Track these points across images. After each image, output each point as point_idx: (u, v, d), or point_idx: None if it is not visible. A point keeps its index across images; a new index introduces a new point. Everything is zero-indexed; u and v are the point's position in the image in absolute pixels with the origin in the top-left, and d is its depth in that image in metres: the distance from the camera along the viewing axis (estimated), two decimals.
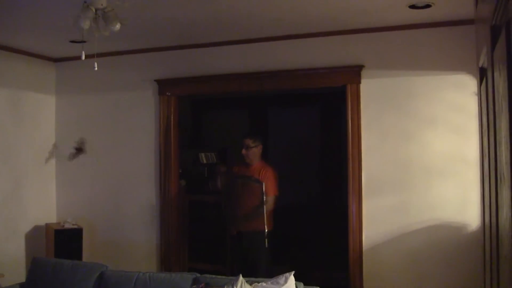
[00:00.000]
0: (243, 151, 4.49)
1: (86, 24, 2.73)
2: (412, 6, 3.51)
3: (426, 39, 4.00)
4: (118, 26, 2.82)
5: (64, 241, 4.75)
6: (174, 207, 4.88)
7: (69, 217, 5.02)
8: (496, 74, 1.95)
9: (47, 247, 4.85)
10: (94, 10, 2.74)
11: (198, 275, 3.20)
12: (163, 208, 4.84)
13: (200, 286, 3.04)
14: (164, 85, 4.85)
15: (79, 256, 4.73)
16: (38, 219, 5.01)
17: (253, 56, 4.55)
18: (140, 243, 4.93)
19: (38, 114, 5.12)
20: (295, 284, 2.93)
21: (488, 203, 2.63)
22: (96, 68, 3.12)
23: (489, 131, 2.41)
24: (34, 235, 4.96)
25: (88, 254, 4.85)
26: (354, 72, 4.18)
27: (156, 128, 4.89)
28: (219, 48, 4.64)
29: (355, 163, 4.17)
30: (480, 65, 3.05)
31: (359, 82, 4.18)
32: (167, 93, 4.84)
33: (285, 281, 2.86)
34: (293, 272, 2.94)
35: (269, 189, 4.31)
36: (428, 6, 3.49)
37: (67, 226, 4.88)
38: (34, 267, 3.54)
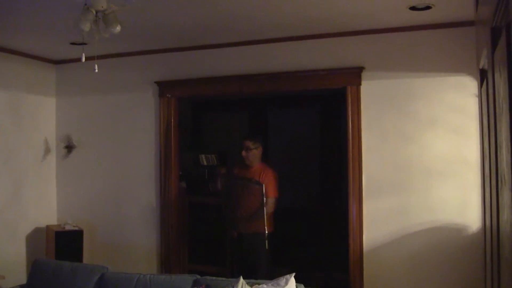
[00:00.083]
0: (243, 153, 4.49)
1: (86, 26, 2.73)
2: (413, 8, 3.51)
3: (426, 40, 4.00)
4: (118, 28, 2.83)
5: (65, 242, 4.75)
6: (174, 208, 4.88)
7: (70, 219, 5.02)
8: (496, 76, 1.95)
9: (48, 249, 4.85)
10: (94, 12, 2.73)
11: (199, 277, 3.20)
12: (164, 210, 4.84)
13: None
14: (164, 87, 4.85)
15: (79, 258, 4.73)
16: (38, 221, 5.01)
17: (253, 57, 4.55)
18: (140, 245, 4.93)
19: (39, 116, 5.12)
20: (296, 285, 2.93)
21: (489, 205, 2.63)
22: (96, 70, 3.12)
23: (489, 133, 2.41)
24: (34, 237, 4.96)
25: (88, 255, 4.85)
26: (355, 74, 4.18)
27: (157, 130, 4.89)
28: (219, 50, 4.65)
29: (356, 164, 4.16)
30: (480, 66, 3.05)
31: (360, 84, 4.18)
32: (167, 95, 4.84)
33: (286, 283, 2.86)
34: (293, 274, 2.93)
35: (269, 191, 4.31)
36: (428, 7, 3.49)
37: (67, 227, 4.88)
38: (35, 269, 3.55)
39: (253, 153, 4.49)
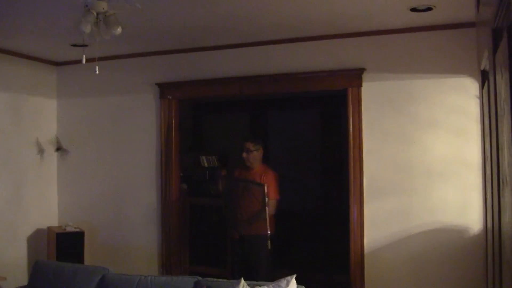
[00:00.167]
0: (244, 155, 4.49)
1: (87, 28, 2.73)
2: (413, 9, 3.51)
3: (427, 42, 4.00)
4: (119, 30, 2.83)
5: (66, 244, 4.76)
6: (175, 210, 4.88)
7: (71, 220, 5.02)
8: (498, 77, 1.95)
9: (49, 250, 4.85)
10: (95, 14, 2.74)
11: (200, 278, 3.20)
12: (164, 211, 4.84)
13: None
14: (165, 89, 4.85)
15: (80, 259, 4.74)
16: (39, 222, 5.01)
17: (253, 59, 4.55)
18: (141, 246, 4.92)
19: (40, 117, 5.12)
20: (297, 287, 2.93)
21: (491, 207, 2.62)
22: (97, 72, 3.12)
23: (491, 135, 2.41)
24: (36, 238, 4.96)
25: (89, 257, 4.86)
26: (355, 75, 4.18)
27: (157, 132, 4.89)
28: (220, 52, 4.65)
29: (356, 166, 4.16)
30: (481, 68, 3.05)
31: (360, 85, 4.18)
32: (168, 97, 4.84)
33: (287, 285, 2.85)
34: (294, 276, 2.93)
35: (270, 192, 4.30)
36: (429, 9, 3.49)
37: (68, 229, 4.88)
38: (36, 270, 3.54)
39: (254, 155, 4.49)
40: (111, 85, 5.07)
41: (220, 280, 3.17)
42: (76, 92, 5.25)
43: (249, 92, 4.82)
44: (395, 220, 4.05)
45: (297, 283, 2.94)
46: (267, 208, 4.24)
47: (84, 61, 3.09)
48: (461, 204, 3.89)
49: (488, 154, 2.93)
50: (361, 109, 4.17)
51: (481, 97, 3.55)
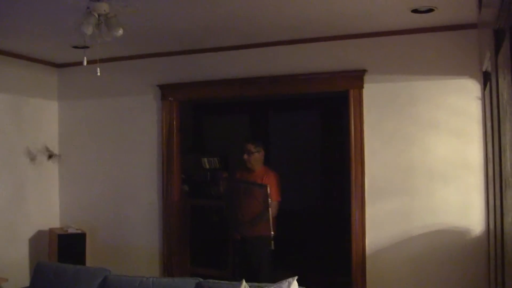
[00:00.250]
0: (245, 156, 4.49)
1: (88, 30, 2.74)
2: (415, 11, 3.51)
3: (428, 43, 3.99)
4: (120, 31, 2.84)
5: (68, 245, 4.76)
6: (177, 211, 4.87)
7: (72, 222, 5.03)
8: (500, 78, 1.94)
9: (51, 251, 4.86)
10: (96, 16, 2.75)
11: (201, 280, 3.19)
12: (166, 213, 4.84)
13: None
14: (166, 90, 4.85)
15: (82, 261, 4.73)
16: (41, 224, 5.01)
17: (255, 61, 4.55)
18: (142, 248, 4.92)
19: (41, 119, 5.13)
20: None
21: (493, 209, 2.62)
22: (98, 74, 3.13)
23: (493, 136, 2.40)
24: (37, 240, 4.96)
25: (91, 258, 4.85)
26: (357, 77, 4.18)
27: (159, 133, 4.89)
28: (221, 53, 4.65)
29: (358, 167, 4.16)
30: (483, 69, 3.05)
31: (362, 87, 4.17)
32: (169, 98, 4.84)
33: (288, 286, 2.85)
34: (296, 277, 2.92)
35: (272, 194, 4.29)
36: (430, 10, 3.49)
37: (70, 230, 4.89)
38: (38, 271, 3.54)
39: (255, 157, 4.49)
40: (112, 86, 5.07)
41: (222, 281, 3.17)
42: (77, 94, 5.25)
43: (250, 93, 4.82)
44: (397, 221, 4.05)
45: (299, 285, 2.93)
46: (270, 209, 4.23)
47: (85, 62, 3.10)
48: (462, 206, 3.88)
49: (490, 155, 2.93)
50: (362, 111, 4.16)
51: (483, 98, 3.55)
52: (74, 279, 3.35)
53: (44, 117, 5.17)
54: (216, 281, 3.17)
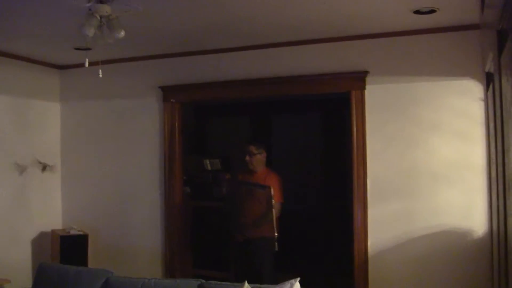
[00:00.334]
0: (247, 158, 4.49)
1: (90, 31, 2.74)
2: (417, 12, 3.50)
3: (430, 44, 3.99)
4: (122, 33, 2.84)
5: (70, 247, 4.76)
6: (179, 213, 4.87)
7: (75, 223, 5.03)
8: (503, 79, 1.94)
9: (53, 253, 4.86)
10: (98, 17, 2.75)
11: (203, 281, 3.18)
12: (168, 214, 4.84)
13: None
14: (168, 92, 4.86)
15: (84, 262, 4.73)
16: (44, 225, 5.02)
17: (256, 62, 4.55)
18: (145, 249, 4.92)
19: (43, 121, 5.13)
20: None
21: (496, 210, 2.61)
22: (100, 75, 3.13)
23: (496, 138, 2.40)
24: (40, 241, 4.96)
25: (93, 260, 4.85)
26: (359, 78, 4.17)
27: (161, 135, 4.89)
28: (223, 55, 4.65)
29: (360, 169, 4.15)
30: (486, 70, 3.04)
31: (364, 88, 4.17)
32: (171, 100, 4.84)
33: (291, 287, 2.84)
34: (298, 279, 2.92)
35: (274, 195, 4.29)
36: (432, 11, 3.48)
37: (72, 232, 4.89)
38: (40, 273, 3.54)
39: (257, 158, 4.49)
40: (114, 88, 5.07)
41: (224, 283, 3.16)
42: (80, 96, 5.26)
43: (252, 94, 4.82)
44: (399, 223, 4.04)
45: (301, 286, 2.92)
46: (273, 210, 4.23)
47: (87, 64, 3.10)
48: (465, 207, 3.87)
49: (493, 156, 2.92)
50: (364, 112, 4.16)
51: (486, 99, 3.54)
52: (76, 281, 3.35)
53: (47, 119, 5.18)
54: (218, 282, 3.17)
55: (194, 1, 3.32)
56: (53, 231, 4.98)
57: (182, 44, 4.47)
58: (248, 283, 2.93)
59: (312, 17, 3.70)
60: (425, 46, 4.00)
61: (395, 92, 4.10)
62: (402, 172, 4.05)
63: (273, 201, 4.22)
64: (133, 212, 4.99)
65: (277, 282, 3.02)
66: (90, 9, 2.75)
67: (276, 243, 4.21)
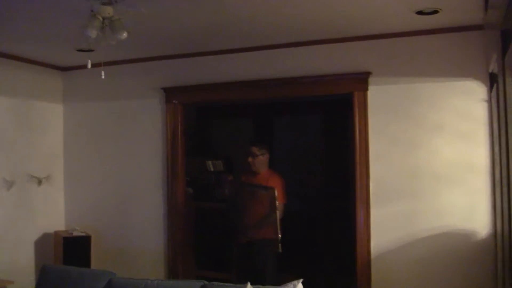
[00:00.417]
0: (249, 159, 4.48)
1: (93, 33, 2.74)
2: (419, 12, 3.49)
3: (433, 45, 3.98)
4: (125, 34, 2.84)
5: (73, 248, 4.76)
6: (181, 214, 4.87)
7: (77, 225, 5.03)
8: (507, 80, 1.93)
9: (56, 254, 4.86)
10: (101, 19, 2.75)
11: (206, 282, 3.18)
12: (170, 216, 4.84)
13: None
14: (170, 93, 4.86)
15: (87, 263, 4.74)
16: (46, 226, 5.02)
17: (259, 63, 4.55)
18: (147, 250, 4.92)
19: (46, 122, 5.14)
20: None
21: (500, 211, 2.60)
22: (103, 77, 3.13)
23: (500, 138, 2.39)
24: (43, 243, 4.97)
25: (96, 261, 4.85)
26: (361, 79, 4.16)
27: (163, 136, 4.89)
28: (225, 56, 4.65)
29: (363, 170, 4.14)
30: (490, 70, 3.03)
31: (366, 89, 4.16)
32: (174, 101, 4.84)
33: None
34: (301, 280, 2.91)
35: (277, 197, 4.28)
36: (435, 12, 3.47)
37: (75, 233, 4.89)
38: (43, 274, 3.54)
39: (260, 160, 4.48)
40: (117, 89, 5.08)
41: (226, 284, 3.16)
42: (82, 97, 5.27)
43: (254, 96, 4.82)
44: (402, 224, 4.03)
45: (303, 287, 2.92)
46: (277, 211, 4.22)
47: (89, 66, 3.10)
48: (468, 208, 3.86)
49: (497, 157, 2.91)
50: (367, 113, 4.15)
51: (490, 100, 3.53)
52: (79, 282, 3.35)
53: (50, 120, 5.19)
54: (221, 283, 3.16)
55: (196, 3, 3.32)
56: (56, 233, 4.98)
57: (185, 45, 4.48)
58: (251, 284, 2.93)
59: (315, 18, 3.70)
60: (428, 47, 3.99)
61: (398, 93, 4.09)
62: (405, 173, 4.04)
63: (277, 203, 4.22)
64: (136, 213, 4.99)
65: (279, 283, 3.02)
66: (92, 11, 2.75)
67: (279, 244, 4.21)
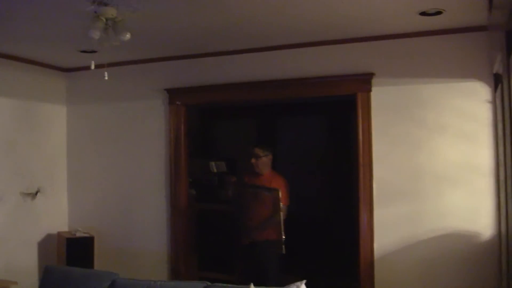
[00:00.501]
0: (253, 161, 4.48)
1: (96, 34, 2.74)
2: (423, 13, 3.49)
3: (436, 46, 3.97)
4: (128, 35, 2.84)
5: (76, 249, 4.77)
6: (184, 215, 4.87)
7: (81, 226, 5.04)
8: None
9: (59, 255, 4.87)
10: (104, 20, 2.75)
11: (209, 283, 3.18)
12: (173, 217, 4.84)
13: None
14: (174, 94, 4.86)
15: (90, 264, 4.74)
16: (50, 227, 5.03)
17: (262, 64, 4.55)
18: (150, 252, 4.93)
19: (49, 124, 5.15)
20: None
21: (505, 213, 2.59)
22: (106, 78, 3.13)
23: (505, 139, 2.37)
24: (46, 244, 4.98)
25: (99, 262, 4.86)
26: (365, 80, 4.16)
27: (166, 137, 4.90)
28: (228, 57, 4.65)
29: (366, 171, 4.13)
30: (494, 71, 3.02)
31: (370, 90, 4.15)
32: (177, 102, 4.85)
33: None
34: (304, 281, 2.91)
35: (281, 198, 4.28)
36: (439, 13, 3.47)
37: (78, 234, 4.90)
38: (46, 275, 3.55)
39: (263, 161, 4.48)
40: (120, 91, 5.09)
41: (229, 285, 3.15)
42: (86, 98, 5.28)
43: (258, 97, 4.81)
44: (405, 225, 4.02)
45: None
46: (281, 213, 4.21)
47: (93, 67, 3.10)
48: (471, 210, 3.85)
49: (501, 158, 2.89)
50: (370, 114, 4.14)
51: (494, 101, 3.51)
52: (82, 283, 3.35)
53: (53, 121, 5.20)
54: (224, 285, 3.16)
55: (200, 4, 3.32)
56: (59, 234, 4.99)
57: (188, 46, 4.48)
58: (254, 285, 2.92)
59: (318, 19, 3.70)
60: (432, 48, 3.99)
61: (401, 94, 4.08)
62: (409, 174, 4.03)
63: (281, 204, 4.21)
64: (138, 214, 4.99)
65: (283, 284, 3.01)
66: (95, 12, 2.75)
67: (283, 245, 4.20)
